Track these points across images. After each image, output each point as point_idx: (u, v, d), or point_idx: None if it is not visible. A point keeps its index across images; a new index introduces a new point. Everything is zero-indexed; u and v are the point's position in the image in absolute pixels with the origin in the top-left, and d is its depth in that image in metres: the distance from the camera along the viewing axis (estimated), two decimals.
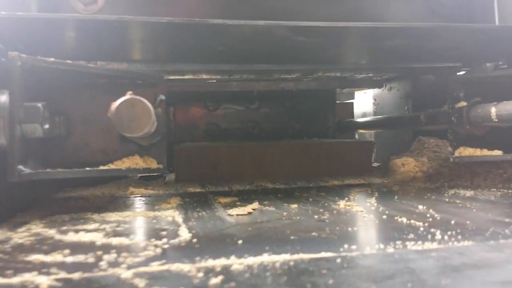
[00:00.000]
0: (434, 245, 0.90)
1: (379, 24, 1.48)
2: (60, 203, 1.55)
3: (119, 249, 0.93)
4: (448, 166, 1.97)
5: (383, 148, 2.65)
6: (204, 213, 1.32)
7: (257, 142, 2.32)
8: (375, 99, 2.72)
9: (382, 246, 0.90)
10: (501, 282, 0.67)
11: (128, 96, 0.93)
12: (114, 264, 0.82)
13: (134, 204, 1.51)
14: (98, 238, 1.03)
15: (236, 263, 0.78)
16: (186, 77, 2.08)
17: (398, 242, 0.93)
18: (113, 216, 1.30)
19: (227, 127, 2.62)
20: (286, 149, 2.15)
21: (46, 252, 0.90)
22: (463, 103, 1.63)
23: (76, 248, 0.94)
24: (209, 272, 0.73)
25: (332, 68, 2.01)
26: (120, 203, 1.53)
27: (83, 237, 1.04)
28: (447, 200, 1.45)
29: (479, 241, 0.91)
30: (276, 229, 1.08)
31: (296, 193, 1.66)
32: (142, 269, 0.77)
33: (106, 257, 0.86)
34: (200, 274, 0.72)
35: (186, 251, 0.90)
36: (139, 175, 2.39)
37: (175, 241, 0.98)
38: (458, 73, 2.01)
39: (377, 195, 1.58)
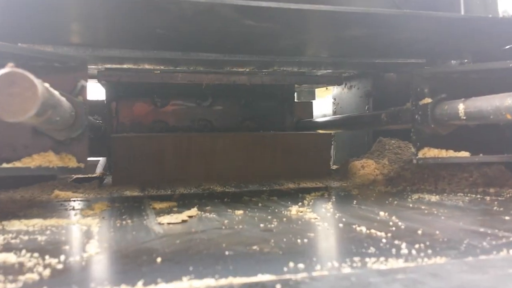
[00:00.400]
0: (400, 263, 0.72)
1: (338, 8, 1.31)
2: None
3: (1, 268, 0.71)
4: (411, 168, 1.82)
5: (342, 150, 2.49)
6: (129, 221, 1.11)
7: (206, 133, 2.09)
8: (334, 99, 2.56)
9: (336, 264, 0.72)
10: None
11: (7, 69, 0.70)
12: None
13: (51, 211, 1.27)
14: None
15: None
16: (126, 66, 1.85)
17: (356, 259, 0.74)
18: (16, 225, 1.06)
19: (176, 125, 2.36)
20: (238, 141, 1.94)
21: None
22: (428, 100, 1.48)
23: None
24: None
25: (289, 62, 1.82)
26: (34, 209, 1.29)
27: None
28: (411, 205, 1.29)
29: (455, 257, 0.74)
30: (210, 242, 0.88)
31: (245, 197, 1.47)
32: None
33: None
34: None
35: (82, 274, 0.69)
36: (73, 176, 2.14)
37: (75, 259, 0.76)
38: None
39: (334, 199, 1.41)
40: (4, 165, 1.11)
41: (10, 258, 0.77)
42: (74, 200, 1.50)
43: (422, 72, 1.53)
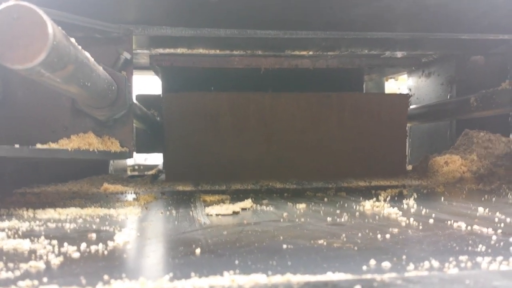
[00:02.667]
0: None
1: None
2: (11, 198, 1.20)
3: (5, 255, 0.57)
4: (505, 164, 1.55)
5: (418, 147, 2.22)
6: (174, 212, 0.95)
7: (265, 92, 1.85)
8: (409, 89, 2.30)
9: (436, 263, 0.51)
10: None
11: (10, 1, 0.56)
12: None
13: (93, 201, 1.15)
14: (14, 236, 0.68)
15: (158, 287, 0.41)
16: (179, 50, 1.73)
17: (463, 258, 0.54)
18: (49, 213, 0.94)
19: None
20: (300, 100, 1.72)
21: None
22: None
23: None
24: None
25: (359, 40, 1.58)
26: (76, 200, 1.17)
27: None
28: None
29: None
30: (264, 234, 0.71)
31: (309, 193, 1.28)
32: None
33: None
34: None
35: (99, 264, 0.53)
36: (128, 173, 2.06)
37: (97, 248, 0.61)
38: None
39: (416, 196, 1.18)
40: (39, 145, 0.99)
41: (23, 244, 0.63)
42: (122, 193, 1.38)
43: None
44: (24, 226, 0.79)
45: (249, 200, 1.03)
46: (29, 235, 0.71)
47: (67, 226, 0.80)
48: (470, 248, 0.60)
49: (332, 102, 1.74)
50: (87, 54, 0.79)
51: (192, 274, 0.47)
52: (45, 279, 0.47)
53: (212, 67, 1.75)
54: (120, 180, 1.76)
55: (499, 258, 0.53)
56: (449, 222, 0.79)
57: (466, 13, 1.35)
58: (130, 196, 1.28)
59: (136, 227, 0.78)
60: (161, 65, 1.74)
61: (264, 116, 1.70)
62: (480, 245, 0.61)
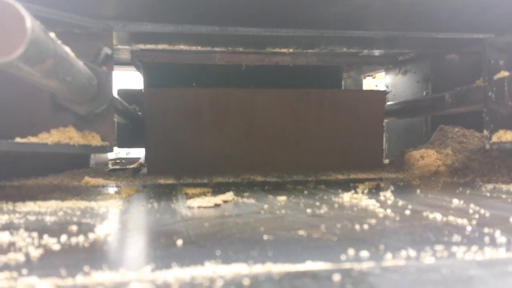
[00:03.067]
0: (502, 253, 0.53)
1: None
2: None
3: None
4: (479, 159, 1.59)
5: (395, 143, 2.26)
6: (156, 204, 0.96)
7: (246, 88, 1.85)
8: (387, 86, 2.34)
9: (413, 252, 0.53)
10: None
11: None
12: None
13: (73, 194, 1.14)
14: None
15: (143, 279, 0.41)
16: (160, 46, 1.72)
17: (439, 247, 0.56)
18: (29, 206, 0.93)
19: None
20: (280, 97, 1.75)
21: None
22: (504, 73, 1.25)
23: None
24: None
25: (338, 38, 1.61)
26: (56, 193, 1.16)
27: None
28: (488, 195, 1.07)
29: None
30: (245, 226, 0.72)
31: (289, 186, 1.29)
32: None
33: None
34: None
35: (79, 257, 0.53)
36: (109, 167, 2.04)
37: (78, 240, 0.61)
38: None
39: (392, 188, 1.21)
40: (18, 139, 0.98)
41: (2, 237, 0.63)
42: (104, 187, 1.37)
43: (497, 41, 1.31)
44: (3, 219, 0.78)
45: (231, 193, 1.03)
46: (8, 227, 0.70)
47: (47, 218, 0.79)
48: (445, 238, 0.62)
49: (311, 99, 1.77)
50: (67, 48, 0.79)
51: (173, 264, 0.48)
52: (24, 271, 0.47)
53: (194, 63, 1.78)
54: (101, 173, 1.74)
55: (474, 248, 0.55)
56: (425, 214, 0.81)
57: (439, 12, 1.38)
58: (112, 189, 1.27)
59: (117, 219, 0.78)
60: (142, 61, 1.75)
61: (245, 112, 1.72)
62: (456, 235, 0.63)
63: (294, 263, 0.47)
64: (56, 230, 0.69)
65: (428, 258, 0.51)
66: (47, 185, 1.41)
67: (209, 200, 0.94)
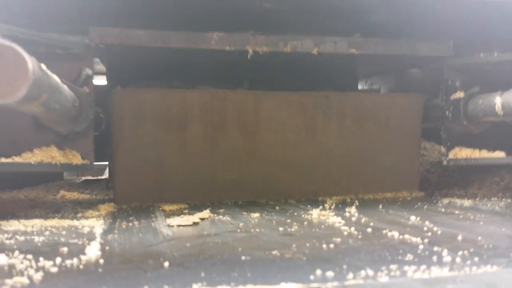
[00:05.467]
0: (446, 272, 0.62)
1: None
2: None
3: None
4: (437, 172, 1.71)
5: None
6: (136, 223, 1.02)
7: (248, 90, 1.49)
8: None
9: (371, 272, 0.61)
10: None
11: None
12: None
13: (53, 211, 1.19)
14: None
15: None
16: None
17: (393, 267, 0.64)
18: (14, 225, 0.98)
19: None
20: (292, 102, 1.39)
21: None
22: (460, 94, 1.37)
23: None
24: None
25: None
26: (36, 209, 1.20)
27: None
28: (443, 210, 1.18)
29: (508, 266, 0.64)
30: (224, 246, 0.79)
31: (261, 200, 1.37)
32: None
33: None
34: None
35: (78, 279, 0.59)
36: (81, 178, 2.07)
37: (72, 262, 0.67)
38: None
39: (357, 203, 1.30)
40: (3, 159, 1.03)
41: (1, 259, 0.68)
42: (81, 201, 1.42)
43: (454, 63, 1.43)
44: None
45: (207, 211, 1.10)
46: (2, 249, 0.75)
47: (36, 239, 0.84)
48: (400, 257, 0.70)
49: (331, 105, 1.42)
50: (56, 78, 0.84)
51: (165, 287, 0.55)
52: None
53: (181, 48, 1.26)
54: (75, 186, 1.78)
55: (423, 267, 0.64)
56: (384, 231, 0.90)
57: (403, 30, 1.47)
58: (89, 205, 1.32)
59: (103, 240, 0.84)
60: (106, 43, 1.21)
61: (246, 123, 1.36)
62: (409, 254, 0.72)
63: (271, 285, 0.55)
64: (48, 251, 0.75)
65: (383, 277, 0.59)
66: (24, 200, 1.44)
67: (188, 219, 1.00)
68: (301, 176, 1.40)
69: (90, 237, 0.86)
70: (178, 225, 0.97)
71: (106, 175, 2.24)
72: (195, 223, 0.99)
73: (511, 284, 0.54)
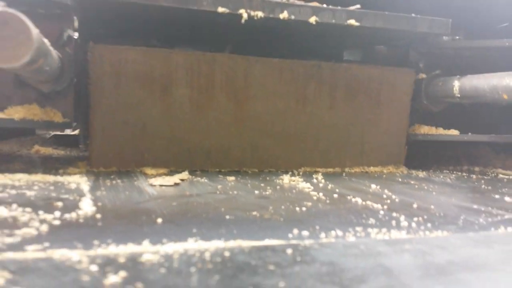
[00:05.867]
0: (404, 235, 0.72)
1: None
2: None
3: None
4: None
5: None
6: (119, 181, 1.08)
7: (238, 54, 1.36)
8: None
9: (340, 232, 0.71)
10: None
11: None
12: None
13: (34, 166, 1.23)
14: None
15: (149, 251, 0.56)
16: None
17: (359, 228, 0.74)
18: (1, 178, 1.02)
19: None
20: (284, 70, 1.35)
21: None
22: (422, 75, 1.48)
23: None
24: (108, 264, 0.51)
25: None
26: (16, 164, 1.24)
27: None
28: (400, 180, 1.30)
29: (456, 232, 0.75)
30: (207, 206, 0.87)
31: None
32: (11, 255, 0.52)
33: None
34: (94, 268, 0.49)
35: (82, 231, 0.66)
36: (51, 132, 2.08)
37: (71, 215, 0.74)
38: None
39: (321, 171, 1.40)
40: None
41: (2, 212, 0.73)
42: (57, 157, 1.45)
43: (418, 46, 1.52)
44: None
45: (186, 172, 1.17)
46: (2, 202, 0.80)
47: (28, 193, 0.89)
48: (363, 220, 0.80)
49: (323, 75, 1.40)
50: (47, 41, 0.87)
51: (164, 240, 0.62)
52: (46, 244, 0.59)
53: (170, 7, 1.17)
54: (47, 141, 1.80)
55: (384, 229, 0.74)
56: (349, 197, 1.00)
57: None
58: (66, 161, 1.35)
59: (93, 196, 0.90)
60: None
61: (235, 88, 1.32)
62: (371, 219, 0.82)
63: (257, 240, 0.63)
64: (43, 205, 0.80)
65: (350, 237, 0.69)
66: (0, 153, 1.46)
67: (169, 180, 1.07)
68: (289, 146, 1.39)
69: (79, 193, 0.92)
70: (160, 185, 1.04)
71: (76, 131, 2.25)
72: (176, 184, 1.06)
73: (457, 247, 0.65)
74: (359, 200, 0.97)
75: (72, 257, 0.52)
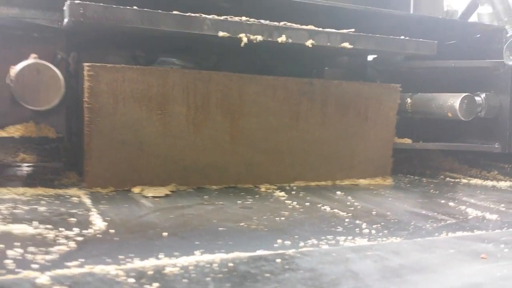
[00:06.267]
0: (365, 241, 0.89)
1: None
2: None
3: (24, 240, 0.79)
4: None
5: None
6: (115, 193, 1.20)
7: (233, 73, 1.37)
8: None
9: (315, 241, 0.87)
10: None
11: (32, 60, 0.77)
12: (22, 263, 0.69)
13: (29, 177, 1.32)
14: None
15: (169, 264, 0.69)
16: None
17: (330, 237, 0.91)
18: (5, 193, 1.12)
19: None
20: (277, 88, 1.38)
21: None
22: None
23: None
24: (141, 276, 0.64)
25: None
26: (11, 175, 1.33)
27: None
28: (361, 185, 1.48)
29: (407, 238, 0.93)
30: (201, 218, 1.01)
31: None
32: (60, 272, 0.65)
33: (10, 252, 0.72)
34: (131, 280, 0.63)
35: (105, 247, 0.79)
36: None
37: (89, 231, 0.86)
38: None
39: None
40: None
41: (28, 229, 0.85)
42: (45, 166, 1.53)
43: (375, 64, 1.71)
44: (3, 208, 0.98)
45: (173, 184, 1.28)
46: (19, 219, 0.91)
47: (39, 208, 1.00)
48: (332, 228, 0.97)
49: (314, 91, 1.45)
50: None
51: (176, 253, 0.76)
52: (81, 260, 0.71)
53: (171, 31, 1.21)
54: (28, 148, 1.87)
55: (350, 237, 0.91)
56: (319, 205, 1.17)
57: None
58: (56, 170, 1.45)
59: (99, 210, 1.02)
60: (88, 20, 1.10)
61: (230, 107, 1.34)
62: (339, 227, 0.98)
63: (251, 252, 0.78)
64: (59, 221, 0.92)
65: (324, 246, 0.85)
66: None
67: (160, 191, 1.19)
68: (282, 162, 1.42)
69: (85, 207, 1.04)
70: (153, 196, 1.17)
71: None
72: (167, 195, 1.19)
73: (408, 251, 0.82)
74: (328, 208, 1.14)
75: (110, 271, 0.66)
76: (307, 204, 1.18)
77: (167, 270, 0.67)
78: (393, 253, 0.81)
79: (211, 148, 1.33)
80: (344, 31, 1.39)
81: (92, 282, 0.62)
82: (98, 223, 0.91)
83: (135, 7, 1.15)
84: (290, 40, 1.29)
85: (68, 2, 1.05)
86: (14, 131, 1.21)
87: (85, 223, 0.91)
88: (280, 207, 1.14)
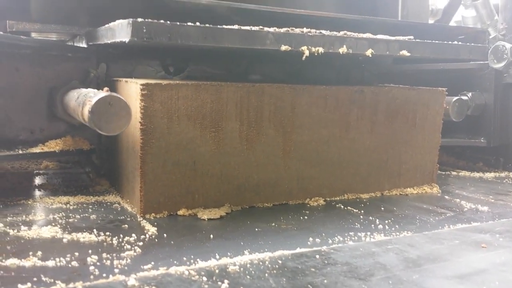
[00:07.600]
0: (383, 237, 1.04)
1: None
2: None
3: (93, 248, 0.91)
4: None
5: None
6: None
7: (284, 83, 1.33)
8: None
9: (340, 238, 1.02)
10: (457, 276, 0.82)
11: (105, 93, 0.89)
12: (104, 268, 0.81)
13: (63, 185, 1.43)
14: (58, 232, 0.99)
15: (229, 263, 0.83)
16: None
17: (351, 233, 1.05)
18: (50, 202, 1.23)
19: None
20: (329, 97, 1.34)
21: (17, 255, 0.85)
22: None
23: (44, 247, 0.90)
24: (211, 275, 0.77)
25: None
26: (45, 183, 1.43)
27: (42, 232, 0.99)
28: None
29: (416, 231, 1.08)
30: (235, 219, 1.14)
31: None
32: (142, 274, 0.78)
33: (89, 259, 0.85)
34: (205, 279, 0.76)
35: (166, 249, 0.92)
36: None
37: (145, 236, 0.99)
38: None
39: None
40: (34, 149, 1.27)
41: (91, 237, 0.97)
42: (71, 173, 1.63)
43: (371, 68, 1.85)
44: (58, 218, 1.09)
45: (227, 204, 1.25)
46: (79, 227, 1.03)
47: (91, 217, 1.12)
48: (351, 225, 1.12)
49: (365, 100, 1.41)
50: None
51: (229, 254, 0.90)
52: (152, 262, 0.84)
53: (232, 47, 1.18)
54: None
55: (369, 233, 1.06)
56: (333, 203, 1.31)
57: None
58: (83, 176, 1.56)
59: (146, 218, 1.14)
60: (151, 39, 1.09)
61: (282, 120, 1.30)
62: (357, 224, 1.13)
63: (292, 249, 0.92)
64: (114, 228, 1.04)
65: (350, 242, 1.00)
66: (15, 171, 1.64)
67: (215, 213, 1.18)
68: (333, 174, 1.38)
69: (130, 213, 1.16)
70: (209, 219, 1.15)
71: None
72: (222, 216, 1.17)
73: (421, 244, 0.97)
74: (342, 206, 1.29)
75: (183, 271, 0.79)
76: (323, 202, 1.33)
77: (230, 268, 0.81)
78: (409, 245, 0.96)
79: (264, 164, 1.28)
80: (400, 38, 1.38)
81: (173, 282, 0.75)
82: (151, 228, 1.04)
83: (197, 23, 1.14)
84: (350, 51, 1.28)
85: (130, 21, 1.03)
86: (54, 145, 1.31)
87: (138, 229, 1.03)
88: (301, 207, 1.28)
